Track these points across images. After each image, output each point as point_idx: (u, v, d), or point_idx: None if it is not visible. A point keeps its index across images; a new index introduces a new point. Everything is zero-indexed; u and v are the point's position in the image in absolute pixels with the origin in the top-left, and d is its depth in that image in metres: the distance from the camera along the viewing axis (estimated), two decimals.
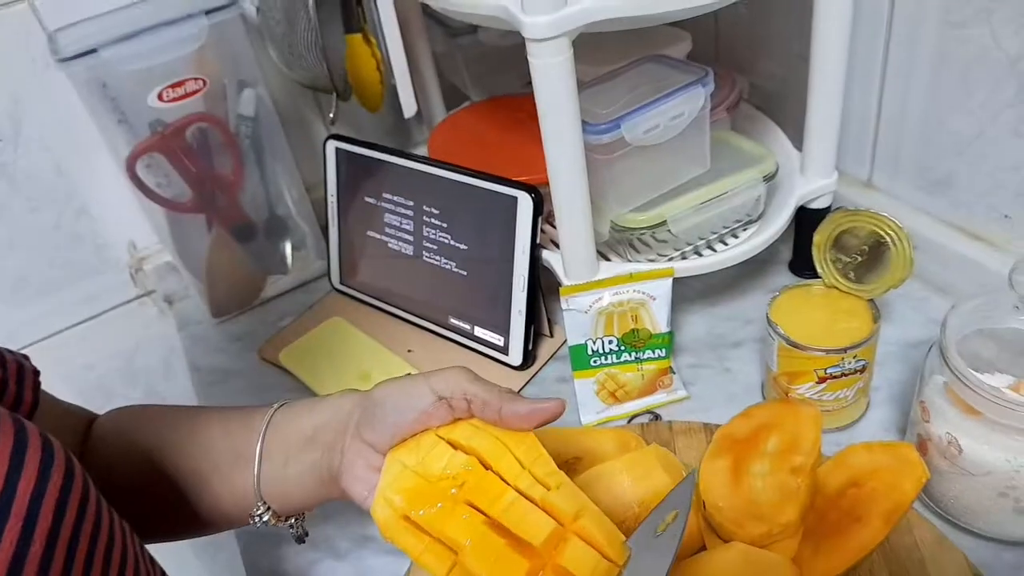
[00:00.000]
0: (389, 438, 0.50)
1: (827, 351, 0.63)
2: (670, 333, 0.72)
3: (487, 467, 0.48)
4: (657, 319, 0.72)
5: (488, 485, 0.47)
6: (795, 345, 0.64)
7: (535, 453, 0.48)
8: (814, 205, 0.78)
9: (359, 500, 0.51)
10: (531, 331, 0.78)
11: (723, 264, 0.73)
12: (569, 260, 0.71)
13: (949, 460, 0.56)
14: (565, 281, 0.72)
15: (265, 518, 0.54)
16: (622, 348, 0.73)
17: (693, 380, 0.76)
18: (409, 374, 0.53)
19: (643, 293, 0.71)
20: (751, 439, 0.61)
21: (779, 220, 0.75)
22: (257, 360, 0.90)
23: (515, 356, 0.79)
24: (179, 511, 0.54)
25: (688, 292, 0.86)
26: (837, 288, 0.67)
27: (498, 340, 0.80)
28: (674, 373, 0.74)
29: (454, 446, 0.49)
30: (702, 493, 0.58)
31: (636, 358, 0.73)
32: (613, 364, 0.73)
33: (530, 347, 0.79)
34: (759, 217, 0.77)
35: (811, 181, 0.78)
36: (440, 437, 0.50)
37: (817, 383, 0.65)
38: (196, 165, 0.87)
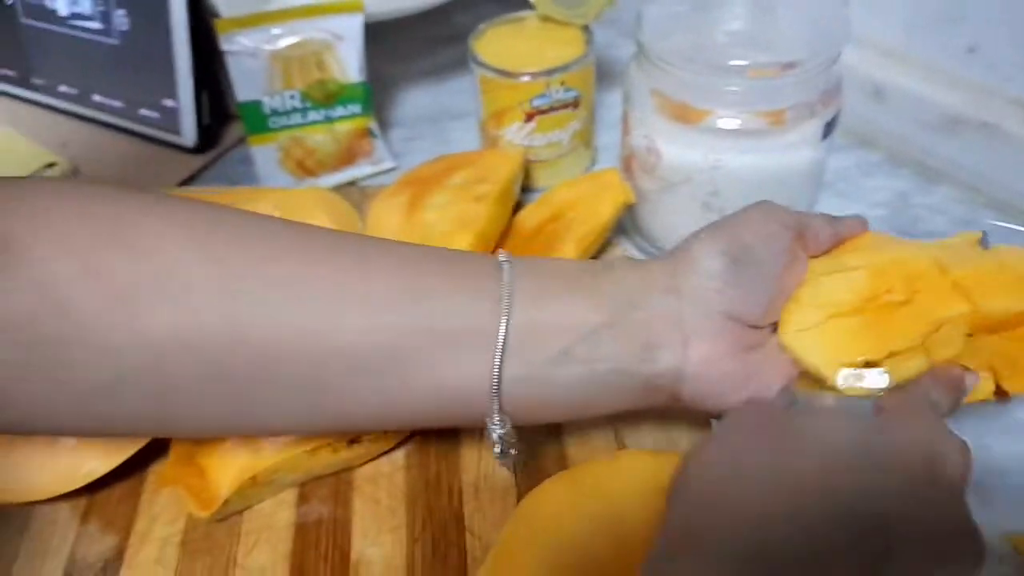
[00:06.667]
0: (767, 301, 0.33)
1: (532, 75, 0.53)
2: (365, 84, 0.59)
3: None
4: (347, 65, 0.59)
5: (934, 288, 0.32)
6: (497, 71, 0.53)
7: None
8: None
9: (732, 402, 0.33)
10: (204, 100, 0.63)
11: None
12: None
13: (650, 173, 0.47)
14: (223, 12, 0.57)
15: (504, 430, 0.32)
16: (308, 105, 0.59)
17: (405, 152, 0.65)
18: (716, 223, 0.35)
19: (327, 32, 0.58)
20: (436, 176, 0.51)
21: None
22: None
23: (188, 135, 0.64)
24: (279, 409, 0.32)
25: (415, 70, 0.74)
26: (552, 18, 0.57)
27: (167, 117, 0.64)
28: (376, 137, 0.62)
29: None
30: (371, 232, 0.47)
31: (326, 116, 0.60)
32: (298, 125, 0.60)
33: (206, 121, 0.64)
34: None
35: None
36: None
37: (525, 121, 0.55)
38: None
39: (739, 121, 0.44)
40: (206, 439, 0.39)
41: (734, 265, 0.32)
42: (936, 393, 0.30)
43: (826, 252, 0.36)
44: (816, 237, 0.35)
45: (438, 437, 0.42)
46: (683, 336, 0.32)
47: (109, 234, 0.28)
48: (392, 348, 0.30)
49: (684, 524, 0.25)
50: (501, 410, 0.32)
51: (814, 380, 0.32)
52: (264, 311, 0.29)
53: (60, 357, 0.27)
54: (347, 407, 0.31)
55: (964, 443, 0.27)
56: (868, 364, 0.31)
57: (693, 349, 0.32)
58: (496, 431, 0.32)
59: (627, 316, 0.32)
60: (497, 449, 0.33)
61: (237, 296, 0.28)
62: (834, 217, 0.36)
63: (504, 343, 0.30)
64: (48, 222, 0.28)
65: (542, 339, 0.31)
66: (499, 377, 0.31)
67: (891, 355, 0.31)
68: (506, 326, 0.30)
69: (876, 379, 0.31)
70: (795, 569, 0.23)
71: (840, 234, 0.36)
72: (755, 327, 0.33)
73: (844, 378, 0.31)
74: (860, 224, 0.36)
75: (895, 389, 0.31)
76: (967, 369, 0.32)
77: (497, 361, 0.30)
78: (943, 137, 0.54)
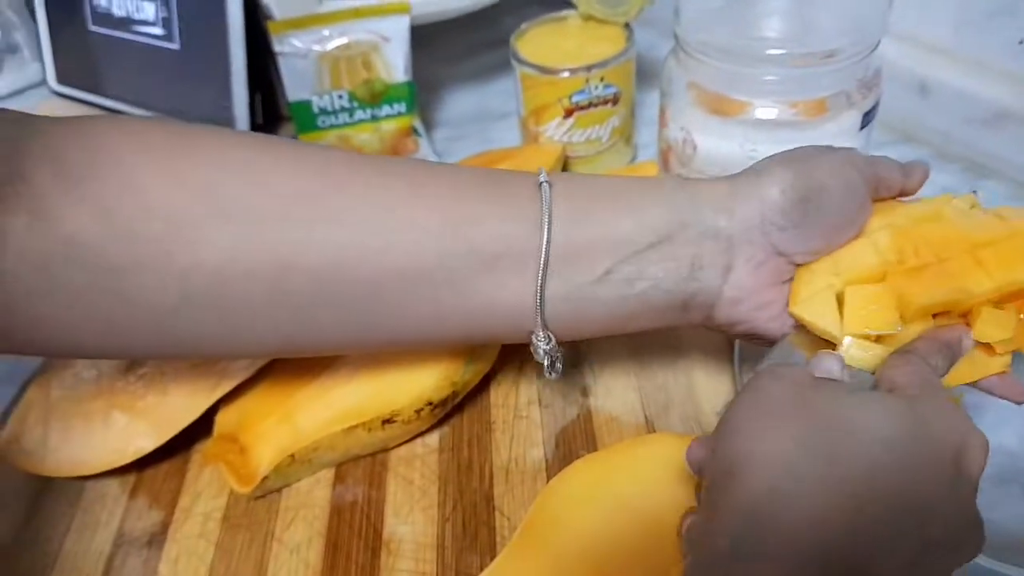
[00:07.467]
0: (823, 246, 0.32)
1: (572, 71, 0.53)
2: (410, 84, 0.61)
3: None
4: (393, 65, 0.60)
5: (959, 257, 0.32)
6: (537, 68, 0.54)
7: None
8: None
9: (763, 330, 0.33)
10: (257, 101, 0.66)
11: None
12: None
13: (686, 165, 0.48)
14: (276, 15, 0.60)
15: (549, 346, 0.33)
16: (355, 104, 0.61)
17: (449, 151, 0.66)
18: (792, 154, 0.33)
19: (375, 33, 0.59)
20: None
21: None
22: None
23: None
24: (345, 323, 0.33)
25: (460, 73, 0.75)
26: (593, 17, 0.58)
27: (222, 118, 0.67)
28: (420, 136, 0.63)
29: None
30: None
31: (372, 115, 0.62)
32: (346, 125, 0.62)
33: (259, 122, 0.66)
34: None
35: None
36: None
37: (564, 118, 0.56)
38: None
39: (776, 111, 0.44)
40: (266, 356, 0.41)
41: (802, 203, 0.31)
42: (935, 358, 0.30)
43: (895, 194, 0.35)
44: (887, 188, 0.34)
45: (471, 422, 0.43)
46: (727, 260, 0.32)
47: (171, 167, 0.30)
48: (439, 271, 0.31)
49: (747, 523, 0.24)
50: (545, 327, 0.32)
51: (814, 340, 0.32)
52: (315, 239, 0.30)
53: (126, 281, 0.29)
54: (397, 325, 0.32)
55: (985, 439, 0.26)
56: (879, 339, 0.31)
57: (734, 275, 0.32)
58: (541, 347, 0.33)
59: (674, 237, 0.31)
60: (546, 362, 0.34)
61: (290, 225, 0.30)
62: (903, 166, 0.34)
63: (545, 264, 0.31)
64: (113, 156, 0.30)
65: (585, 259, 0.31)
66: (541, 297, 0.31)
67: (911, 318, 0.31)
68: (546, 248, 0.31)
69: (874, 355, 0.31)
70: (849, 567, 0.23)
71: (907, 186, 0.34)
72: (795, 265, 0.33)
73: (847, 347, 0.31)
74: (925, 174, 0.35)
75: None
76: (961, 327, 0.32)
77: (539, 282, 0.31)
78: (989, 132, 0.53)
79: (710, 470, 0.27)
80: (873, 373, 0.30)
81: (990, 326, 0.31)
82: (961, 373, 0.32)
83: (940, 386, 0.28)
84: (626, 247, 0.31)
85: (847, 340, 0.31)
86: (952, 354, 0.31)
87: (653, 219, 0.32)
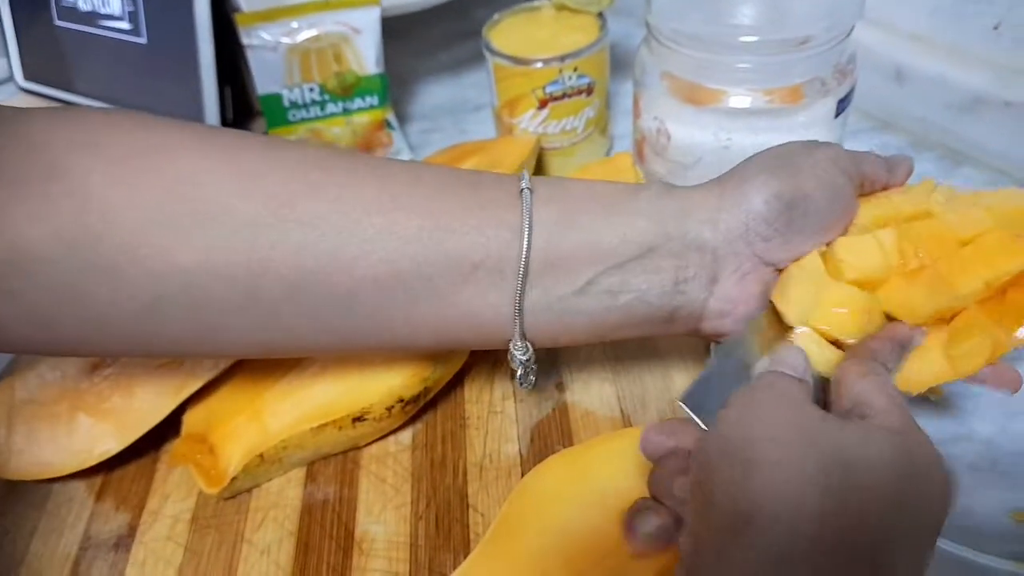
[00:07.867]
0: (806, 250, 0.32)
1: (545, 61, 0.53)
2: (382, 76, 0.60)
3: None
4: (364, 57, 0.59)
5: (950, 256, 0.31)
6: (510, 59, 0.53)
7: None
8: None
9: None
10: (227, 95, 0.64)
11: None
12: None
13: (661, 155, 0.47)
14: (244, 7, 0.59)
15: (525, 357, 0.33)
16: (326, 97, 0.60)
17: (423, 144, 0.65)
18: (778, 155, 0.32)
19: (345, 25, 0.58)
20: (449, 163, 0.51)
21: None
22: None
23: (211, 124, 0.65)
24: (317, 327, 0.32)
25: (433, 65, 0.74)
26: (566, 7, 0.57)
27: (192, 113, 0.66)
28: (393, 128, 0.62)
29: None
30: None
31: (344, 109, 0.61)
32: (317, 118, 0.61)
33: (229, 116, 0.65)
34: None
35: None
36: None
37: (539, 108, 0.55)
38: None
39: (750, 99, 0.44)
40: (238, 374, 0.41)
41: (787, 211, 0.30)
42: (890, 360, 0.29)
43: (881, 187, 0.34)
44: (871, 184, 0.34)
45: (445, 418, 0.42)
46: (712, 272, 0.31)
47: (153, 166, 0.29)
48: (415, 279, 0.30)
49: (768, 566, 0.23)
50: (523, 337, 0.32)
51: (774, 329, 0.31)
52: (288, 244, 0.29)
53: (102, 282, 0.29)
54: (373, 331, 0.32)
55: (956, 478, 0.26)
56: (835, 342, 0.30)
57: (720, 287, 0.31)
58: (518, 357, 0.32)
59: (658, 248, 0.31)
60: (519, 372, 0.33)
61: (263, 231, 0.29)
62: (888, 160, 0.34)
63: (524, 274, 0.30)
64: (97, 153, 0.29)
65: (566, 269, 0.31)
66: (520, 307, 0.31)
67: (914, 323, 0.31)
68: (526, 258, 0.30)
69: (825, 358, 0.30)
70: None
71: (891, 181, 0.34)
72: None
73: (799, 337, 0.30)
74: (909, 169, 0.35)
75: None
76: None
77: (518, 292, 0.30)
78: (966, 118, 0.53)
79: (704, 484, 0.25)
80: (824, 374, 0.30)
81: (964, 349, 0.31)
82: (943, 372, 0.31)
83: (906, 407, 0.27)
84: (608, 258, 0.31)
85: (803, 330, 0.30)
86: (904, 352, 0.30)
87: (637, 229, 0.31)
